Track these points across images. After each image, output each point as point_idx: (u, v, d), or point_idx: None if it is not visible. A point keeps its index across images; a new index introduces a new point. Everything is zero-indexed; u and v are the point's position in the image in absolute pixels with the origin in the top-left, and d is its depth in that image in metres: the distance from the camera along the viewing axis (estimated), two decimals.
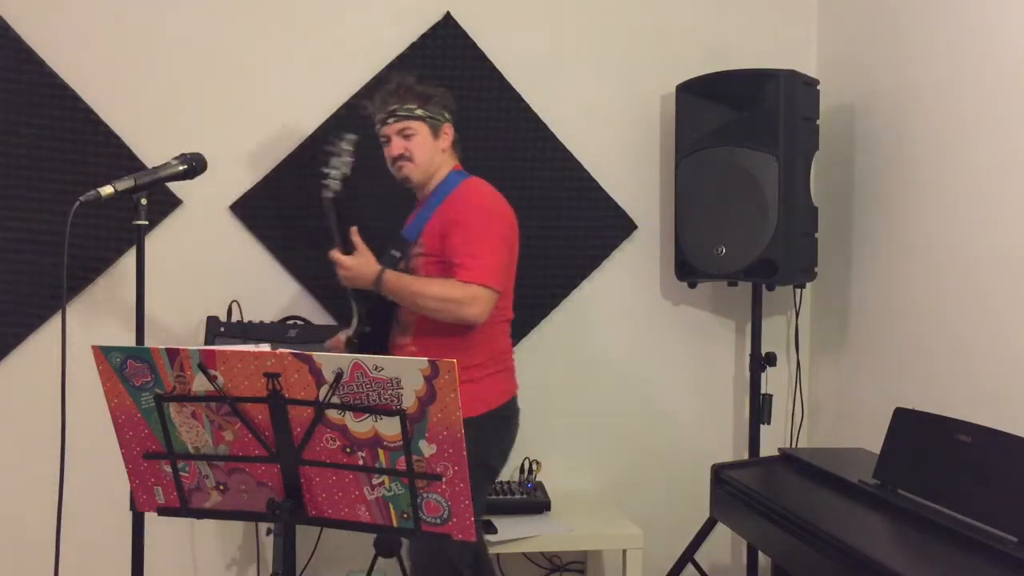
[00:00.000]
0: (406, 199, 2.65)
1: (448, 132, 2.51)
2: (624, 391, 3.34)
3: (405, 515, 1.73)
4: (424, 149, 2.46)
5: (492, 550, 2.74)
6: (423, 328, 2.43)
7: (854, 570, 1.96)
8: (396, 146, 2.45)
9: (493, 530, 2.77)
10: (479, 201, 2.43)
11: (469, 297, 2.30)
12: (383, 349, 2.52)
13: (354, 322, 2.52)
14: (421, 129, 2.45)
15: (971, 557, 1.90)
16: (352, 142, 2.42)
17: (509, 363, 2.55)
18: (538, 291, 3.20)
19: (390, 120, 2.45)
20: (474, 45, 3.14)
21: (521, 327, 3.05)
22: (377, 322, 2.51)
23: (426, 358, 1.58)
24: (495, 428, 2.44)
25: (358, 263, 2.36)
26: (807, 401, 3.35)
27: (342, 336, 2.57)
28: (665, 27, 3.29)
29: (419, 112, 2.45)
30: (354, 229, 2.41)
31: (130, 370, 1.70)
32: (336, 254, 2.38)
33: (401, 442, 1.65)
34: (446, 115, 2.51)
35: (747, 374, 3.23)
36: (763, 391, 3.17)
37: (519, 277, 2.56)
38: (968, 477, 2.07)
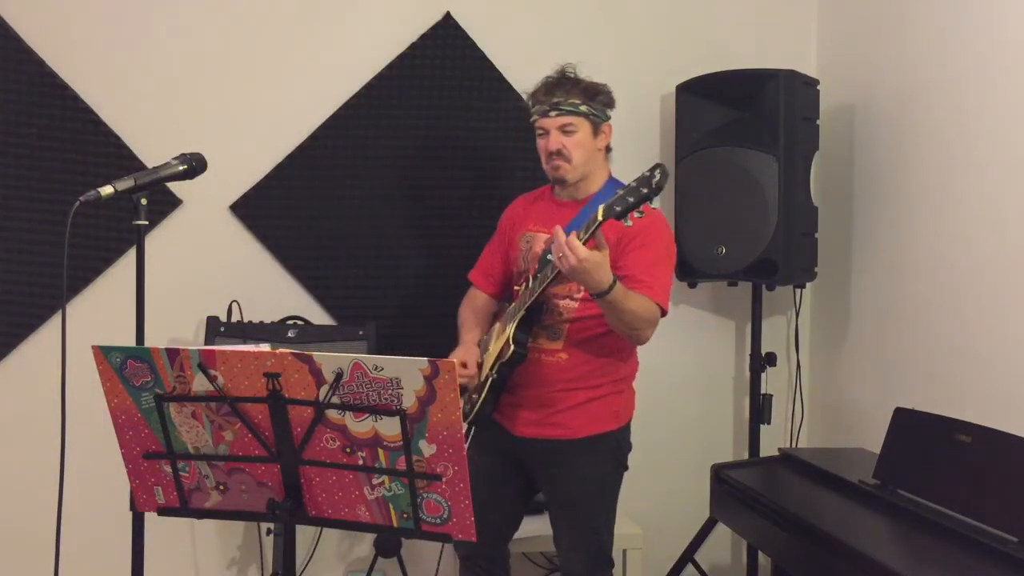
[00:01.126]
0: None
1: (607, 131, 2.37)
2: None
3: (405, 515, 1.73)
4: (583, 148, 2.31)
5: None
6: (575, 337, 2.34)
7: (854, 570, 1.96)
8: (554, 141, 2.30)
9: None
10: (664, 224, 2.36)
11: (656, 320, 2.24)
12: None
13: (510, 329, 2.30)
14: (583, 126, 2.30)
15: (971, 557, 1.90)
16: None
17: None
18: None
19: (552, 113, 2.30)
20: (474, 45, 3.14)
21: None
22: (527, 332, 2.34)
23: (426, 358, 1.58)
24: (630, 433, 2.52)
25: (598, 259, 2.03)
26: (807, 401, 3.35)
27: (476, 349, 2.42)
28: (665, 27, 3.29)
29: (583, 108, 2.30)
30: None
31: (130, 370, 1.70)
32: (575, 241, 2.03)
33: (401, 442, 1.65)
34: (608, 112, 2.36)
35: (747, 374, 3.23)
36: (763, 391, 3.17)
37: None
38: (968, 477, 2.07)
